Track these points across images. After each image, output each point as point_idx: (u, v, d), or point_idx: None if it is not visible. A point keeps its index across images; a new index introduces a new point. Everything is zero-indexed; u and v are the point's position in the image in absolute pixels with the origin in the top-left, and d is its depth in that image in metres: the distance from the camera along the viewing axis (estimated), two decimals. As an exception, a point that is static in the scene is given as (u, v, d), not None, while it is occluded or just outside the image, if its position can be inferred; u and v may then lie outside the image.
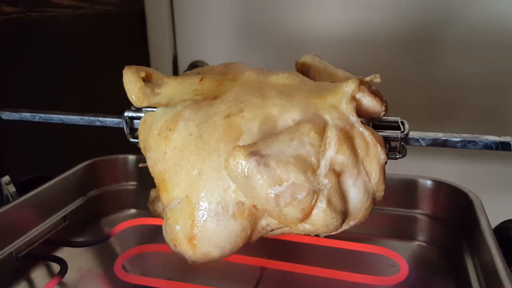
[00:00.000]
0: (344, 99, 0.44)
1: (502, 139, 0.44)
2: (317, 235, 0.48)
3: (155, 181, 0.48)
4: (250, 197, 0.41)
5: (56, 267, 0.55)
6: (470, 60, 0.94)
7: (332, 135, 0.42)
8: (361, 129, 0.43)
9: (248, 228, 0.43)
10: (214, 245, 0.43)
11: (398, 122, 0.46)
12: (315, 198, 0.40)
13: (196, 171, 0.44)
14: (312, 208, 0.40)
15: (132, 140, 0.52)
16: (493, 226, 0.53)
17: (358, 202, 0.43)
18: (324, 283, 0.54)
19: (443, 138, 0.45)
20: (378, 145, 0.43)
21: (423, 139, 0.45)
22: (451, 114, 0.98)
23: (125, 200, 0.71)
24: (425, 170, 0.67)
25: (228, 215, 0.42)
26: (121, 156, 0.72)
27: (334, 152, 0.41)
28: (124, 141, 0.53)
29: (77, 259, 0.59)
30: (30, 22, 0.76)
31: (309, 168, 0.40)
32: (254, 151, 0.40)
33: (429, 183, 0.63)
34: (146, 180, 0.48)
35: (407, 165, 0.64)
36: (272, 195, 0.40)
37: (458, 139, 0.45)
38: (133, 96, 0.50)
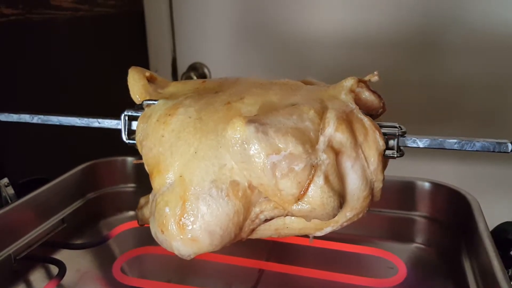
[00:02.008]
0: (343, 91, 0.45)
1: (500, 140, 0.44)
2: (316, 238, 0.48)
3: (148, 169, 0.46)
4: (246, 169, 0.40)
5: (54, 269, 0.55)
6: (469, 62, 0.94)
7: (331, 116, 0.42)
8: (359, 115, 0.43)
9: (241, 212, 0.42)
10: (202, 228, 0.41)
11: (395, 126, 0.46)
12: (312, 172, 0.39)
13: (192, 149, 0.43)
14: (309, 184, 0.39)
15: (128, 141, 0.51)
16: (491, 228, 0.53)
17: (356, 188, 0.42)
18: (322, 285, 0.54)
19: (440, 139, 0.45)
20: (377, 131, 0.43)
21: (420, 140, 0.45)
22: (450, 116, 0.99)
23: (123, 202, 0.71)
24: (423, 172, 0.67)
25: (221, 195, 0.41)
26: (119, 158, 0.72)
27: (333, 130, 0.41)
28: (122, 143, 0.53)
29: (76, 261, 0.59)
30: (29, 24, 0.76)
31: (307, 141, 0.40)
32: (253, 119, 0.40)
33: (427, 185, 0.63)
34: (144, 182, 0.48)
35: (405, 167, 0.64)
36: (269, 165, 0.39)
37: (455, 140, 0.45)
38: (136, 93, 0.51)
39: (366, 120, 0.43)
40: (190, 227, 0.41)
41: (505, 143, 0.44)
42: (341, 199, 0.41)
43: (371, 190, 0.44)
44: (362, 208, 0.44)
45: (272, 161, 0.39)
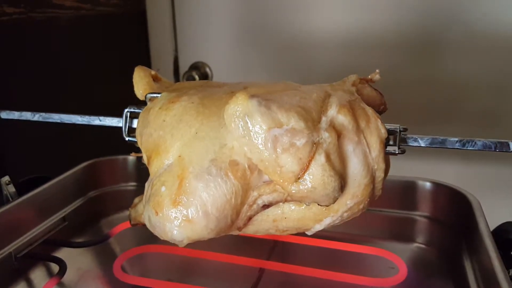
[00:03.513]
0: (346, 84, 0.46)
1: (501, 139, 0.44)
2: (314, 236, 0.48)
3: (147, 154, 0.46)
4: (247, 144, 0.40)
5: (55, 267, 0.55)
6: (470, 62, 0.94)
7: (334, 100, 0.42)
8: (362, 104, 0.44)
9: (239, 194, 0.41)
10: (199, 208, 0.40)
11: (397, 126, 0.46)
12: (314, 149, 0.39)
13: (193, 130, 0.43)
14: (310, 161, 0.39)
15: (128, 138, 0.52)
16: (492, 228, 0.53)
17: (357, 173, 0.42)
18: (323, 285, 0.54)
19: (441, 138, 0.45)
20: (379, 120, 0.43)
21: (421, 138, 0.45)
22: (452, 117, 0.99)
23: (124, 201, 0.71)
24: (424, 172, 0.67)
25: (220, 174, 0.41)
26: (120, 157, 0.73)
27: (335, 112, 0.41)
28: (123, 142, 0.53)
29: (76, 259, 0.59)
30: (31, 22, 0.76)
31: (310, 119, 0.40)
32: (256, 94, 0.39)
33: (428, 185, 0.63)
34: (145, 181, 0.48)
35: (406, 167, 0.64)
36: (270, 138, 0.39)
37: (457, 139, 0.45)
38: (140, 88, 0.51)
39: (368, 109, 0.43)
40: (186, 207, 0.41)
41: (507, 142, 0.44)
42: (342, 180, 0.40)
43: (373, 178, 0.43)
44: (363, 197, 0.43)
45: (273, 134, 0.39)
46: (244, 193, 0.42)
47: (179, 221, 0.41)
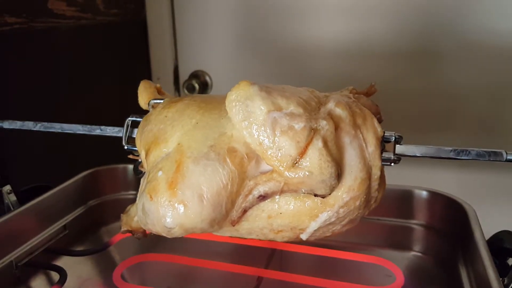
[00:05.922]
0: (343, 91, 0.48)
1: (495, 149, 0.45)
2: (312, 244, 0.48)
3: (145, 149, 0.46)
4: (246, 128, 0.40)
5: (55, 276, 0.56)
6: (467, 71, 0.95)
7: (331, 97, 0.44)
8: (359, 105, 0.45)
9: (235, 182, 0.41)
10: (195, 192, 0.40)
11: (392, 134, 0.47)
12: (312, 134, 0.40)
13: (194, 121, 0.44)
14: (307, 145, 0.39)
15: (127, 146, 0.52)
16: (487, 236, 0.54)
17: (354, 165, 0.42)
18: (321, 293, 0.54)
19: (436, 148, 0.46)
20: (375, 119, 0.44)
21: (417, 148, 0.46)
22: (449, 125, 0.99)
23: (124, 210, 0.71)
24: (420, 180, 0.67)
25: (218, 159, 0.41)
26: (121, 166, 0.73)
27: (333, 105, 0.42)
28: (123, 151, 0.53)
29: (77, 267, 0.59)
30: (32, 32, 0.77)
31: (308, 107, 0.41)
32: (257, 83, 0.41)
33: (424, 193, 0.64)
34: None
35: (403, 175, 0.64)
36: (270, 120, 0.39)
37: (451, 149, 0.45)
38: (144, 98, 0.52)
39: (365, 109, 0.44)
40: (181, 192, 0.40)
41: (500, 151, 0.44)
42: (339, 168, 0.40)
43: (369, 174, 0.43)
44: (359, 191, 0.42)
45: (273, 117, 0.39)
46: (241, 181, 0.42)
47: (174, 204, 0.40)
